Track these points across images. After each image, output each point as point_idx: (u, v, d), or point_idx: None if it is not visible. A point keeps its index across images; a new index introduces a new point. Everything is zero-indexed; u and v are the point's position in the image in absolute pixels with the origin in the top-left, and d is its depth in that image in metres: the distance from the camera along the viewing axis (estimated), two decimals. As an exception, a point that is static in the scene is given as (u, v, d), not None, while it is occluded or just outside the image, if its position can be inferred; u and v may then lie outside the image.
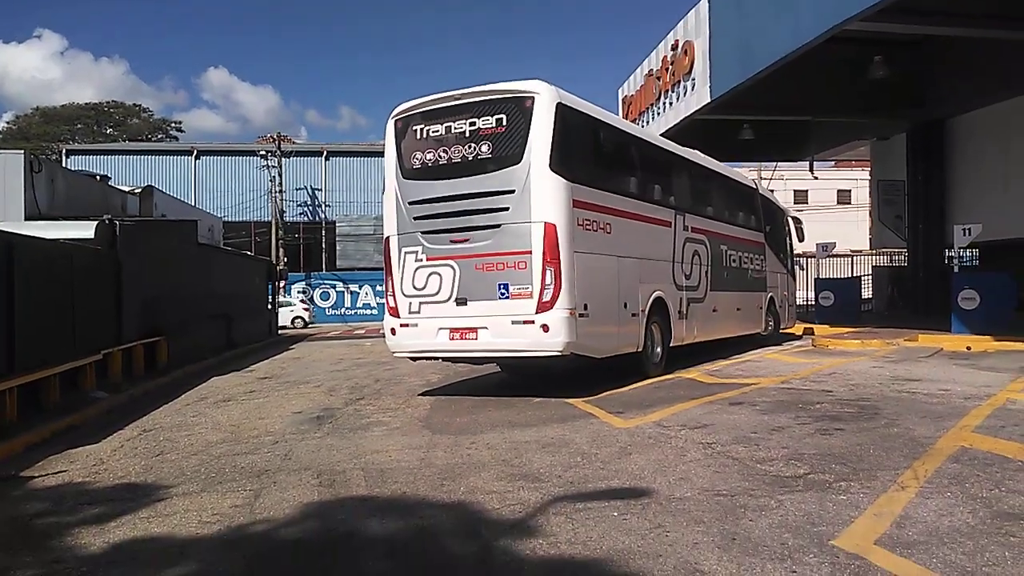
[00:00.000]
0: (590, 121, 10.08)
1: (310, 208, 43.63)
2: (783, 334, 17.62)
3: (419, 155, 9.63)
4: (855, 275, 25.84)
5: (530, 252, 8.79)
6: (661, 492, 5.00)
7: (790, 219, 19.15)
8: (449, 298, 9.27)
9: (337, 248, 42.57)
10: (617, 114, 27.92)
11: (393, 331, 9.81)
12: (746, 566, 3.67)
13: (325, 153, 43.48)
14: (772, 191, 22.27)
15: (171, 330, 14.55)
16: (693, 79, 20.23)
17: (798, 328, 19.12)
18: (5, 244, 8.83)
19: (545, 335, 8.72)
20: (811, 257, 24.21)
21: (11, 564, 4.24)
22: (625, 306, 10.21)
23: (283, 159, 39.85)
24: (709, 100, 18.85)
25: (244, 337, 20.97)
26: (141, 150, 45.78)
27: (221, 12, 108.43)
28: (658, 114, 23.41)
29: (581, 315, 8.95)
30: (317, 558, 4.14)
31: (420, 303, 9.52)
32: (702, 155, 14.38)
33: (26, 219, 13.67)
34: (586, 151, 9.87)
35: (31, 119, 61.65)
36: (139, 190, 21.07)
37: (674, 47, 21.30)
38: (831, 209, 43.28)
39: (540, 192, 8.83)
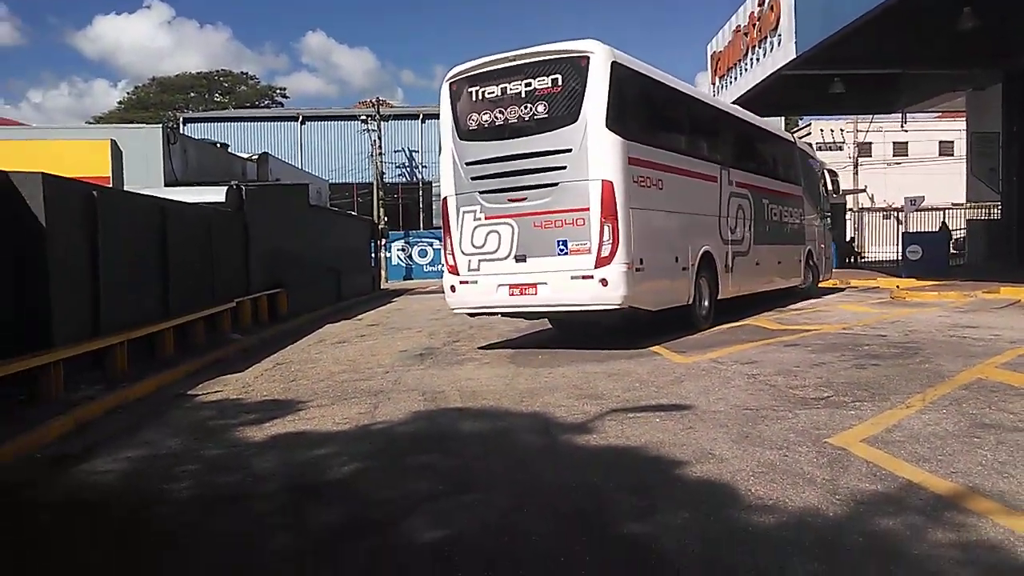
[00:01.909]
0: (643, 79, 10.29)
1: (408, 169, 45.38)
2: (821, 287, 17.89)
3: (475, 116, 9.88)
4: (949, 228, 25.53)
5: (588, 209, 9.07)
6: (699, 407, 6.10)
7: (826, 172, 19.12)
8: (508, 255, 9.59)
9: (433, 207, 44.26)
10: (707, 71, 28.33)
11: (453, 288, 10.12)
12: (748, 452, 4.76)
13: (421, 116, 44.98)
14: (812, 145, 22.25)
15: (289, 283, 16.27)
16: (779, 34, 20.36)
17: (832, 282, 19.44)
18: (160, 209, 10.50)
19: (604, 289, 9.05)
20: (898, 211, 24.14)
21: (201, 447, 5.73)
22: (676, 260, 10.52)
23: (382, 123, 41.57)
24: (795, 55, 19.05)
25: (351, 290, 22.75)
26: (251, 116, 48.52)
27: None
28: (746, 70, 23.54)
29: (638, 269, 9.27)
30: (425, 445, 5.46)
31: (479, 260, 9.82)
32: (744, 110, 14.82)
33: (165, 185, 15.55)
34: (639, 109, 10.09)
35: (149, 89, 65.71)
36: (256, 156, 23.02)
37: (760, 2, 21.46)
38: (934, 161, 42.11)
39: (597, 150, 9.08)
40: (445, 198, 10.21)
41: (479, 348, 10.55)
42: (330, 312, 18.13)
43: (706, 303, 11.37)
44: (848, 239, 27.71)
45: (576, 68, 9.27)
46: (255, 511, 4.24)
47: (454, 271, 10.07)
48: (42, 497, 4.78)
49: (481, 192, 9.78)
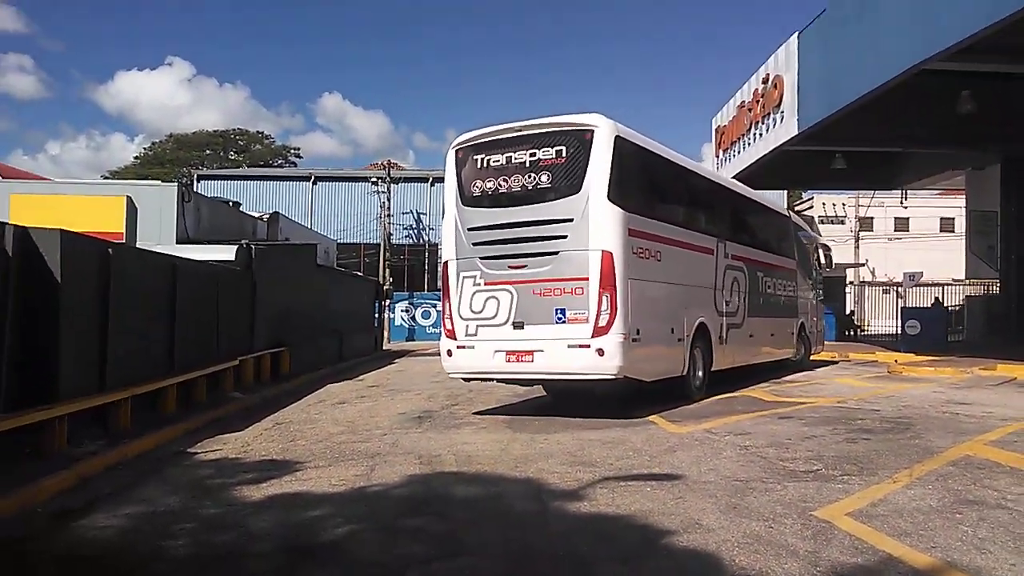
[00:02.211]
0: (644, 153, 10.52)
1: (415, 231, 45.97)
2: (813, 360, 17.97)
3: (479, 183, 10.07)
4: (944, 304, 25.72)
5: (587, 279, 9.19)
6: (690, 477, 6.21)
7: (820, 246, 19.42)
8: (506, 321, 9.65)
9: (439, 269, 44.62)
10: (711, 143, 28.96)
11: (450, 352, 10.15)
12: (735, 522, 4.87)
13: (431, 179, 45.74)
14: (813, 219, 22.65)
15: (293, 342, 16.44)
16: (782, 111, 20.90)
17: (825, 355, 19.60)
18: (171, 266, 10.75)
19: (600, 359, 9.09)
20: (897, 286, 24.36)
21: (199, 506, 5.83)
22: (672, 331, 10.59)
23: (392, 185, 42.29)
24: (797, 132, 19.53)
25: (353, 351, 22.90)
26: (264, 175, 49.35)
27: (335, 39, 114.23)
28: (749, 144, 24.06)
29: (634, 340, 9.36)
30: (419, 508, 5.56)
31: (477, 326, 9.88)
32: (740, 184, 15.15)
33: (177, 242, 15.88)
34: (640, 182, 10.28)
35: (165, 145, 66.86)
36: (267, 216, 23.48)
37: (764, 80, 22.06)
38: (935, 237, 42.54)
39: (598, 221, 9.24)
40: (446, 262, 10.33)
41: (477, 413, 10.66)
42: (332, 372, 18.26)
43: (700, 374, 11.42)
44: (848, 312, 27.86)
45: (580, 140, 9.49)
46: (250, 570, 4.34)
47: (451, 335, 10.12)
48: (43, 551, 4.89)
49: (482, 258, 9.90)
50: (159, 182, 23.70)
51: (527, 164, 9.74)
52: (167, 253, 11.32)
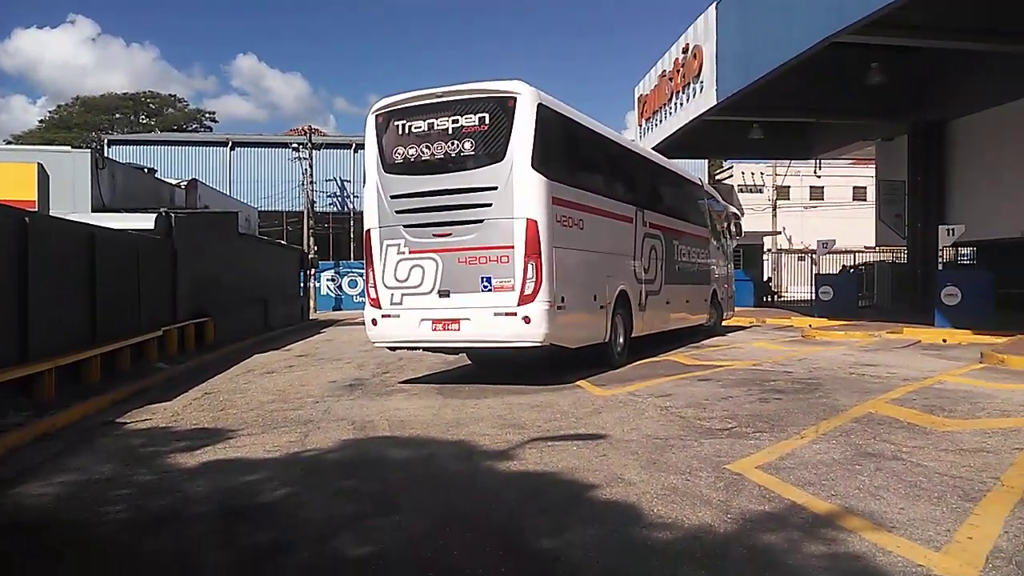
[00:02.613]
0: (566, 121, 10.56)
1: (339, 199, 45.32)
2: (724, 325, 18.70)
3: (401, 150, 9.95)
4: (853, 270, 26.94)
5: (512, 247, 9.25)
6: (614, 436, 6.53)
7: (731, 215, 20.11)
8: (432, 290, 9.66)
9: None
10: (634, 111, 29.38)
11: (374, 321, 10.13)
12: (654, 476, 5.19)
13: (354, 146, 45.02)
14: (729, 187, 23.48)
15: (216, 312, 16.23)
16: (702, 81, 21.36)
17: (737, 320, 20.54)
18: (88, 235, 10.51)
19: (526, 326, 9.21)
20: (812, 253, 25.37)
21: (133, 473, 5.86)
22: (595, 299, 10.77)
23: (314, 152, 41.56)
24: (716, 102, 20.03)
25: (279, 320, 22.68)
26: (179, 140, 47.80)
27: None
28: (670, 113, 24.52)
29: (559, 307, 9.47)
30: (353, 470, 5.72)
31: (402, 295, 9.88)
32: (657, 154, 15.58)
33: (92, 211, 15.41)
34: (563, 150, 10.29)
35: (72, 108, 63.98)
36: (185, 183, 22.87)
37: (684, 50, 22.48)
38: (849, 205, 44.29)
39: (522, 189, 9.27)
40: (368, 230, 10.23)
41: (408, 380, 10.81)
42: (257, 342, 18.08)
43: (621, 340, 11.66)
44: (765, 279, 28.88)
45: (503, 108, 9.48)
46: (189, 531, 4.43)
47: (376, 304, 10.09)
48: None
49: (406, 226, 9.86)
50: (68, 148, 22.73)
51: (450, 131, 9.68)
52: (85, 222, 11.05)
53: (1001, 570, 3.52)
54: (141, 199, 18.24)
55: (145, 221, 13.95)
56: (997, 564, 3.58)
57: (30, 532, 4.60)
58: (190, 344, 14.75)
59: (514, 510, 4.62)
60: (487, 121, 9.54)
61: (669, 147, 24.24)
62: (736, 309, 20.67)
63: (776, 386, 9.14)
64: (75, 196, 15.50)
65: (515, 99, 9.46)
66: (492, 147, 9.50)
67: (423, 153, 9.84)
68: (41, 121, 64.59)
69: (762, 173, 44.72)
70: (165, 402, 9.25)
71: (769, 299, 27.67)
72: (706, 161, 42.84)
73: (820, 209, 44.40)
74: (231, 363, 13.66)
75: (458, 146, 9.65)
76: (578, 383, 9.79)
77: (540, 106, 9.58)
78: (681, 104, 23.18)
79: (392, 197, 9.97)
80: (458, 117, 9.65)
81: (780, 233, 42.04)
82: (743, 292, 26.04)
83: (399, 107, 10.09)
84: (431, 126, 9.80)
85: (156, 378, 11.19)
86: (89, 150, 17.03)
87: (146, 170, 22.22)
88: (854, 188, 45.39)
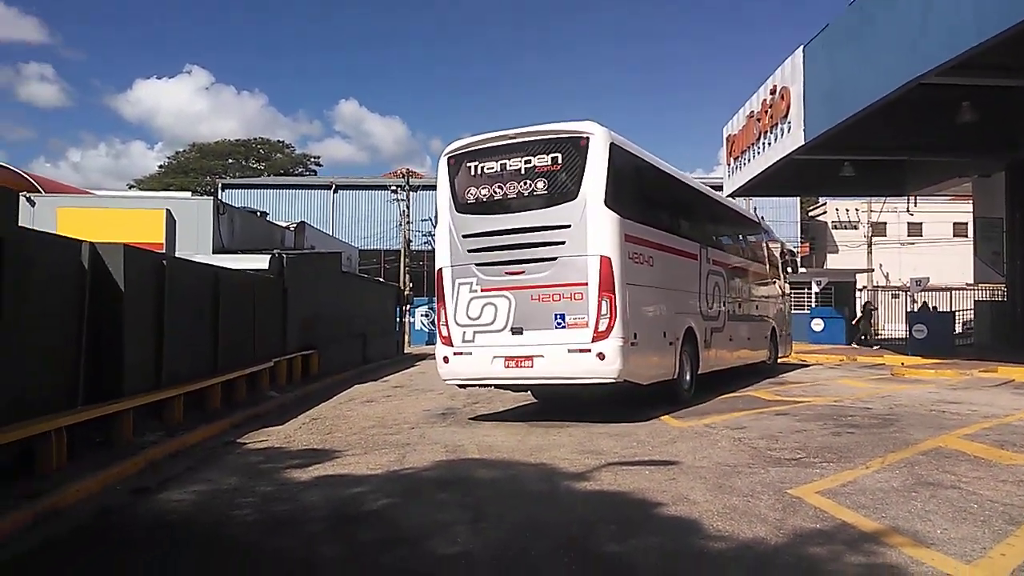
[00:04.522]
0: (636, 160, 10.76)
1: (433, 237, 46.90)
2: (781, 363, 18.54)
3: (473, 190, 10.17)
4: (933, 308, 26.24)
5: (586, 284, 9.35)
6: (685, 463, 7.01)
7: (787, 252, 20.00)
8: (504, 327, 9.76)
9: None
10: (722, 151, 29.65)
11: (446, 359, 10.26)
12: (718, 497, 5.67)
13: (449, 186, 46.77)
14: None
15: (320, 345, 17.36)
16: (789, 122, 21.49)
17: (794, 358, 20.35)
18: (213, 275, 11.67)
19: (601, 363, 9.27)
20: (905, 291, 24.91)
21: (255, 485, 6.70)
22: (664, 335, 10.81)
23: (410, 193, 43.28)
24: (804, 142, 20.18)
25: (377, 353, 23.81)
26: (286, 184, 50.75)
27: (351, 46, 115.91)
28: (759, 153, 24.63)
29: (632, 344, 9.55)
30: (446, 486, 6.42)
31: (474, 332, 9.99)
32: (717, 192, 15.75)
33: (213, 252, 16.83)
34: (633, 188, 10.42)
35: (188, 154, 68.42)
36: (294, 225, 24.49)
37: (772, 91, 22.69)
38: (947, 241, 42.95)
39: (596, 227, 9.40)
40: (440, 269, 10.38)
41: (496, 411, 11.48)
42: (357, 373, 19.14)
43: (688, 377, 11.66)
44: (854, 320, 28.33)
45: (576, 147, 9.66)
46: (307, 531, 5.20)
47: (447, 342, 10.25)
48: (135, 517, 5.79)
49: (478, 264, 10.01)
50: (189, 194, 24.75)
51: (522, 171, 9.90)
52: (210, 263, 12.25)
53: (1024, 582, 3.89)
54: (255, 241, 19.75)
55: (260, 262, 15.19)
56: (1022, 577, 3.95)
57: (176, 529, 5.45)
58: (297, 374, 15.86)
59: (586, 522, 5.19)
60: (560, 161, 9.75)
61: (758, 186, 24.41)
62: (825, 347, 20.60)
63: (852, 421, 9.38)
64: (198, 239, 17.00)
65: (588, 139, 9.65)
66: (565, 186, 9.70)
67: (496, 193, 10.07)
68: (160, 166, 69.35)
69: (857, 209, 43.90)
70: (278, 426, 10.20)
71: (863, 337, 27.15)
72: (798, 199, 42.46)
73: (918, 246, 43.22)
74: (334, 392, 14.66)
75: (531, 185, 9.86)
76: (657, 417, 10.19)
77: (612, 145, 9.81)
78: (769, 144, 23.30)
79: (464, 236, 10.15)
80: (531, 157, 9.87)
81: (874, 271, 41.06)
82: (835, 329, 25.74)
83: (471, 149, 10.37)
84: (503, 167, 10.04)
85: (268, 405, 12.22)
86: (211, 198, 18.67)
87: (259, 214, 23.91)
88: (954, 224, 44.01)
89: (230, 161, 67.54)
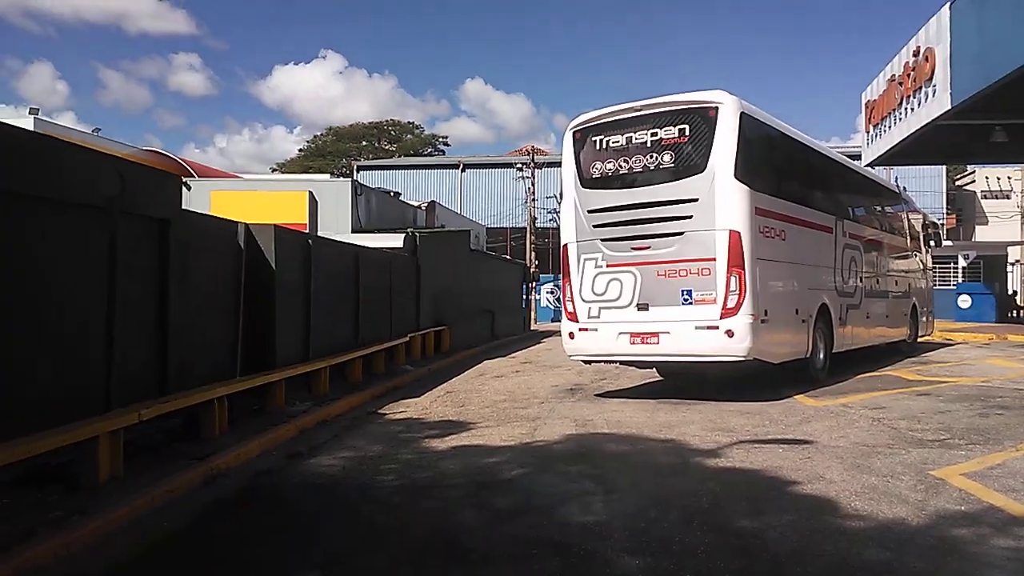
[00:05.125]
0: (768, 130, 10.41)
1: (558, 215, 47.14)
2: (923, 342, 17.46)
3: (599, 165, 10.05)
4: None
5: (714, 259, 9.14)
6: (821, 442, 6.90)
7: (929, 224, 18.70)
8: (630, 303, 9.65)
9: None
10: (861, 117, 28.25)
11: (572, 335, 10.24)
12: (856, 477, 5.58)
13: (574, 163, 46.78)
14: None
15: (451, 321, 17.90)
16: (934, 85, 20.22)
17: (937, 335, 19.08)
18: (354, 254, 12.27)
19: (729, 340, 9.07)
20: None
21: (397, 453, 7.10)
22: (796, 312, 10.44)
23: (535, 170, 43.55)
24: (950, 107, 19.01)
25: (504, 330, 24.28)
26: (417, 164, 52.21)
27: (476, 26, 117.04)
28: (900, 119, 23.29)
29: (762, 321, 9.27)
30: (578, 458, 6.60)
31: (600, 308, 9.91)
32: (855, 162, 14.88)
33: (352, 231, 17.66)
34: (765, 159, 10.09)
35: (325, 138, 71.32)
36: (425, 204, 25.27)
37: (915, 53, 21.40)
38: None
39: (725, 200, 9.16)
40: (566, 245, 10.34)
41: (624, 388, 11.56)
42: (485, 349, 19.63)
43: (822, 356, 11.21)
44: (1011, 292, 26.52)
45: (704, 118, 9.41)
46: (448, 495, 5.50)
47: (573, 318, 10.22)
48: (289, 479, 6.29)
49: (603, 240, 9.93)
50: (328, 176, 25.94)
51: (648, 144, 9.71)
52: (350, 242, 12.88)
53: None
54: (389, 220, 20.57)
55: (395, 240, 15.82)
56: None
57: (326, 492, 5.88)
58: (430, 349, 16.45)
59: (718, 496, 5.24)
60: (687, 132, 9.52)
61: (900, 154, 23.07)
62: (972, 325, 19.42)
63: (1001, 402, 8.91)
64: (338, 219, 17.88)
65: (717, 109, 9.38)
66: (693, 158, 9.47)
67: (621, 167, 9.94)
68: (300, 150, 72.65)
69: (1009, 178, 40.68)
70: (415, 398, 10.68)
71: (1017, 314, 25.33)
72: (943, 168, 39.86)
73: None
74: (465, 367, 15.13)
75: (657, 159, 9.68)
76: (790, 396, 9.95)
77: (743, 115, 9.50)
78: (912, 109, 21.99)
79: (590, 212, 10.09)
80: (657, 130, 9.67)
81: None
82: (984, 306, 24.19)
83: (596, 123, 10.23)
84: (629, 140, 9.88)
85: (405, 378, 12.78)
86: (349, 180, 19.57)
87: (392, 194, 24.79)
88: None
89: (364, 143, 69.95)
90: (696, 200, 9.36)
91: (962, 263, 28.00)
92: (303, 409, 9.01)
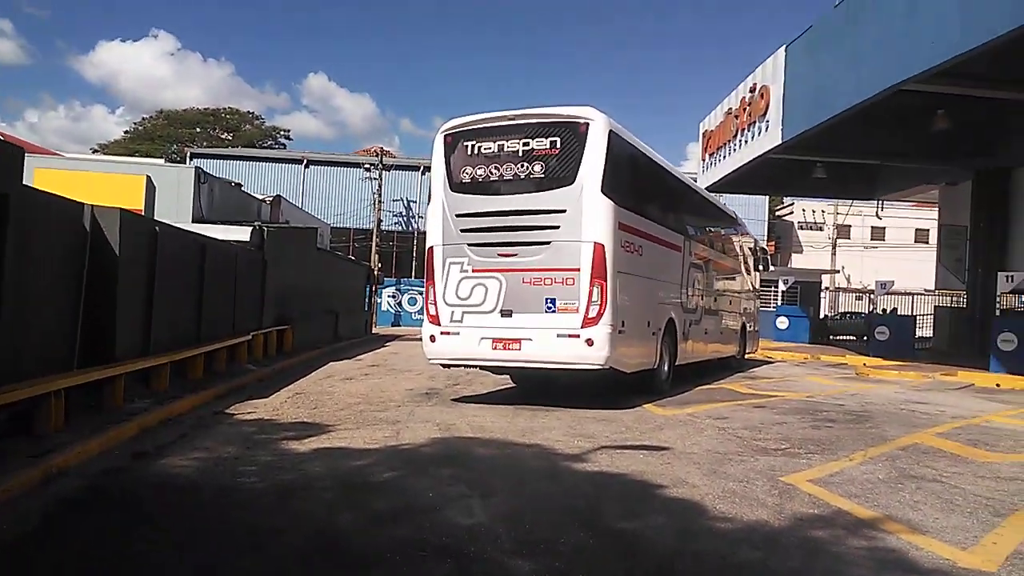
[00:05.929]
0: (632, 149, 10.79)
1: (404, 218, 46.78)
2: (749, 359, 18.97)
3: (469, 170, 10.10)
4: (913, 314, 26.97)
5: (579, 269, 9.36)
6: (676, 448, 7.21)
7: (759, 249, 20.30)
8: (494, 309, 9.75)
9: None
10: (697, 144, 30.01)
11: (433, 338, 10.22)
12: (715, 482, 5.87)
13: (421, 168, 46.42)
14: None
15: (295, 320, 17.30)
16: (767, 120, 21.84)
17: (761, 354, 20.89)
18: (201, 244, 11.59)
19: (589, 349, 9.32)
20: (870, 293, 25.51)
21: (254, 454, 6.74)
22: (648, 324, 10.91)
23: (383, 172, 43.03)
24: (780, 141, 20.54)
25: (347, 332, 23.78)
26: (258, 156, 49.98)
27: (322, 19, 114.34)
28: (734, 150, 25.01)
29: (620, 332, 9.60)
30: (447, 461, 6.52)
31: (463, 312, 9.96)
32: (701, 187, 15.96)
33: (192, 221, 16.66)
34: (628, 177, 10.39)
35: (156, 121, 67.02)
36: (270, 198, 24.29)
37: (752, 89, 23.02)
38: (909, 247, 43.98)
39: (591, 213, 9.41)
40: (431, 247, 10.35)
41: (479, 393, 11.59)
42: (329, 351, 19.10)
43: (666, 368, 11.72)
44: (823, 316, 28.99)
45: (575, 133, 9.67)
46: (321, 498, 5.28)
47: (435, 321, 10.19)
48: (142, 479, 5.81)
49: (470, 244, 9.97)
50: (162, 160, 24.37)
51: (520, 153, 9.87)
52: (198, 232, 12.15)
53: (1019, 567, 4.13)
54: (232, 212, 19.61)
55: (242, 233, 15.12)
56: (1016, 563, 4.19)
57: (186, 493, 5.49)
58: (272, 349, 15.81)
59: (592, 499, 5.35)
60: (558, 145, 9.74)
61: (732, 183, 24.79)
62: (789, 345, 21.06)
63: (828, 416, 9.69)
64: (178, 207, 16.81)
65: (588, 125, 9.66)
66: (563, 170, 9.68)
67: (492, 174, 10.04)
68: (126, 132, 67.90)
69: (823, 211, 44.75)
70: (263, 399, 10.20)
71: (826, 338, 27.77)
72: (766, 198, 43.07)
73: (881, 250, 44.22)
74: (311, 368, 14.65)
75: (528, 168, 9.84)
76: (640, 405, 10.33)
77: (611, 133, 9.82)
78: (746, 141, 23.66)
79: (458, 216, 10.12)
80: (529, 140, 9.85)
81: (839, 272, 42.00)
82: (799, 328, 26.29)
83: (469, 128, 10.32)
84: (501, 148, 10.00)
85: (248, 378, 12.18)
86: (193, 166, 18.46)
87: (233, 184, 23.66)
88: (916, 230, 45.08)
89: (198, 130, 66.38)
90: (564, 211, 9.56)
91: (782, 287, 30.39)
92: (143, 407, 8.39)
